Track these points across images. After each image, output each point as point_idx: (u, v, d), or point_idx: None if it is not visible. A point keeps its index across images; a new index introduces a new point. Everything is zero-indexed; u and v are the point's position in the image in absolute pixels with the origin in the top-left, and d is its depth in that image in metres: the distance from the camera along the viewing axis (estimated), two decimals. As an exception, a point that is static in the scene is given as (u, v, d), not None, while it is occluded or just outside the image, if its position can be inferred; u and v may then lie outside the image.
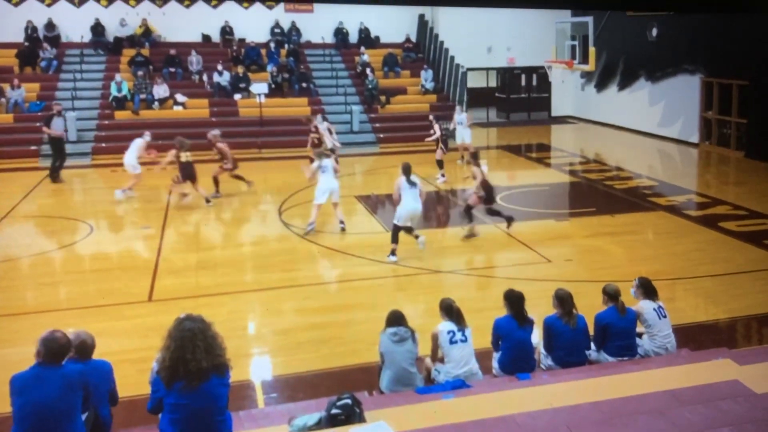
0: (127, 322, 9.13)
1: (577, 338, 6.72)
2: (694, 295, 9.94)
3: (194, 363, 4.43)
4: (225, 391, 4.64)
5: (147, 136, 16.26)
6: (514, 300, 6.65)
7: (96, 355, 5.77)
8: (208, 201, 14.91)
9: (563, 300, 6.69)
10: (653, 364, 6.56)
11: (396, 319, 6.49)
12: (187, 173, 14.76)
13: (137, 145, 15.98)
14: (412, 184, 11.43)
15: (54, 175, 17.73)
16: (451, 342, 6.48)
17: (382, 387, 6.45)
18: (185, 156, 14.73)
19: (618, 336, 6.79)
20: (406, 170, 11.49)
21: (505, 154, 21.72)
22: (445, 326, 6.54)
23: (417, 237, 11.64)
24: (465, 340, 6.51)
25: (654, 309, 7.07)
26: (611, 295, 6.91)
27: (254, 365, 8.15)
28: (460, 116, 18.63)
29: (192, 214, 14.70)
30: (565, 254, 11.84)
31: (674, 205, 14.94)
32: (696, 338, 8.32)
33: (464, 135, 18.61)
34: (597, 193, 15.92)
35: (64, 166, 18.10)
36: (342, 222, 12.97)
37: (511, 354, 6.61)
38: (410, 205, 11.45)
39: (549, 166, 19.82)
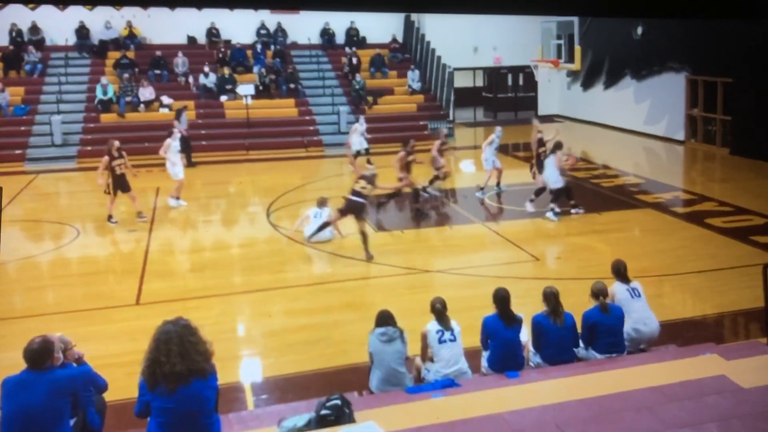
0: (114, 325, 9.09)
1: (565, 336, 6.75)
2: (681, 292, 10.01)
3: (168, 366, 4.42)
4: (211, 393, 4.62)
5: (177, 133, 15.95)
6: (499, 299, 6.68)
7: (85, 359, 5.75)
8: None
9: (550, 298, 6.73)
10: (641, 360, 6.61)
11: (385, 319, 6.50)
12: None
13: (168, 146, 15.28)
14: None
15: (189, 163, 19.05)
16: (440, 341, 6.50)
17: (371, 387, 6.46)
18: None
19: (605, 333, 6.83)
20: (559, 146, 13.77)
21: (493, 154, 21.77)
22: (434, 326, 6.56)
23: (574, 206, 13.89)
24: (454, 340, 6.53)
25: (627, 289, 7.27)
26: (594, 293, 6.98)
27: (243, 367, 8.13)
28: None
29: (179, 217, 14.65)
30: (553, 252, 11.89)
31: (661, 202, 15.03)
32: (683, 334, 8.38)
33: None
34: (584, 191, 15.95)
35: (191, 153, 19.47)
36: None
37: (500, 352, 6.64)
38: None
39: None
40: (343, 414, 5.43)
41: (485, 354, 6.84)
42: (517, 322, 6.69)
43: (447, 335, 6.50)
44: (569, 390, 5.78)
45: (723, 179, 17.33)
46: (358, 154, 18.84)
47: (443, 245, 12.81)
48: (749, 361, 6.35)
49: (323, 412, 5.43)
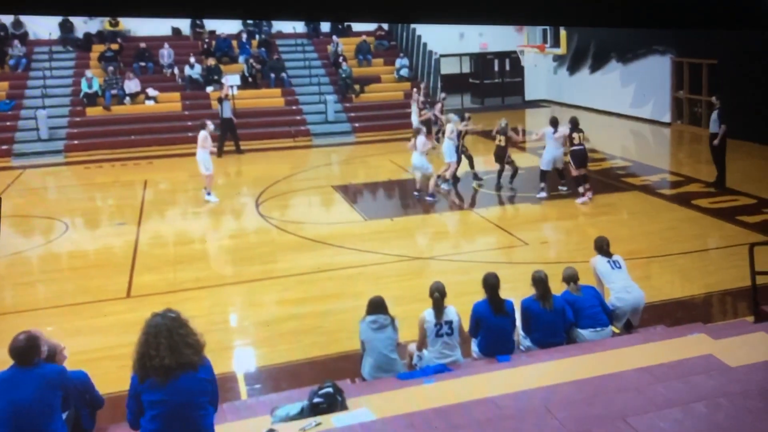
0: (105, 319, 9.09)
1: (555, 319, 6.82)
2: (670, 273, 10.09)
3: (157, 360, 4.38)
4: (203, 386, 4.56)
5: (210, 125, 14.99)
6: (489, 286, 6.72)
7: (77, 353, 5.77)
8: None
9: (539, 283, 6.80)
10: (629, 341, 6.68)
11: (375, 306, 6.53)
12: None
13: (201, 139, 14.60)
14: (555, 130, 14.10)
15: (238, 150, 20.20)
16: (437, 335, 6.52)
17: (363, 374, 6.50)
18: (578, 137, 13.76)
19: (582, 309, 6.94)
20: (554, 123, 14.26)
21: (480, 139, 21.76)
22: (432, 317, 6.55)
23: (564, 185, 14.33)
24: (450, 333, 6.53)
25: (607, 261, 7.48)
26: (565, 279, 7.16)
27: (236, 357, 8.16)
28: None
29: (168, 209, 14.63)
30: (541, 237, 11.96)
31: (648, 184, 15.12)
32: (672, 314, 8.47)
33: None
34: (571, 175, 16.05)
35: (238, 140, 20.32)
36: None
37: (490, 338, 6.70)
38: (555, 151, 14.07)
39: (524, 150, 19.91)
40: (335, 401, 5.47)
41: (475, 340, 6.89)
42: (507, 307, 6.73)
43: (444, 329, 6.50)
44: (559, 372, 5.84)
45: (709, 160, 17.37)
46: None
47: (434, 232, 12.86)
48: (736, 340, 6.42)
49: (316, 400, 5.47)
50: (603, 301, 7.14)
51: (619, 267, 7.47)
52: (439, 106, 19.61)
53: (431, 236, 12.64)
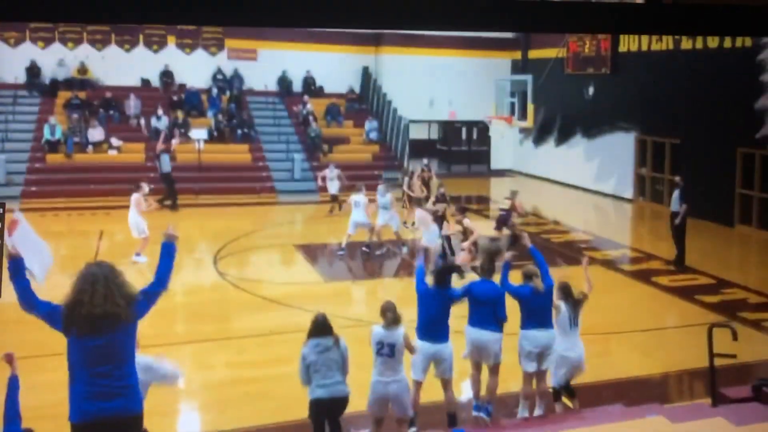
0: (47, 375, 8.67)
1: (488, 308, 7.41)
2: (628, 349, 10.03)
3: (87, 307, 4.31)
4: (122, 341, 4.50)
5: (145, 188, 14.07)
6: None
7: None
8: None
9: (483, 251, 7.26)
10: (586, 421, 6.54)
11: (319, 327, 6.41)
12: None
13: (134, 201, 13.79)
14: None
15: (173, 206, 19.05)
16: (378, 353, 6.52)
17: (310, 397, 6.36)
18: None
19: (534, 309, 7.46)
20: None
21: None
22: (378, 333, 6.56)
23: None
24: (392, 356, 6.50)
25: (569, 317, 7.57)
26: (523, 275, 7.81)
27: (182, 422, 7.83)
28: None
29: (120, 260, 14.25)
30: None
31: (609, 259, 15.19)
32: (629, 393, 8.36)
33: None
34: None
35: (175, 196, 19.26)
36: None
37: (425, 320, 7.25)
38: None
39: (488, 218, 20.00)
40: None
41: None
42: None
43: (385, 350, 6.49)
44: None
45: (670, 238, 17.67)
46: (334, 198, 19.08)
47: (394, 296, 12.65)
48: (694, 425, 6.32)
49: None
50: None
51: (576, 325, 7.51)
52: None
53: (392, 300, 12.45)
